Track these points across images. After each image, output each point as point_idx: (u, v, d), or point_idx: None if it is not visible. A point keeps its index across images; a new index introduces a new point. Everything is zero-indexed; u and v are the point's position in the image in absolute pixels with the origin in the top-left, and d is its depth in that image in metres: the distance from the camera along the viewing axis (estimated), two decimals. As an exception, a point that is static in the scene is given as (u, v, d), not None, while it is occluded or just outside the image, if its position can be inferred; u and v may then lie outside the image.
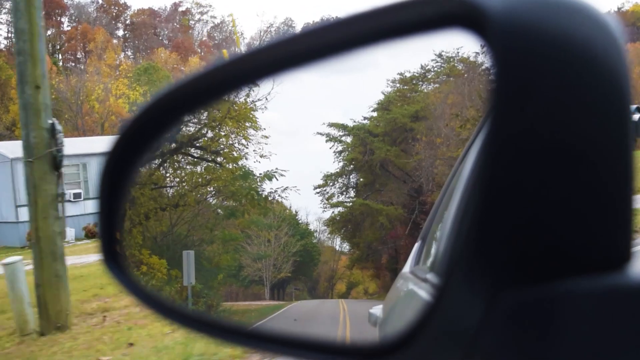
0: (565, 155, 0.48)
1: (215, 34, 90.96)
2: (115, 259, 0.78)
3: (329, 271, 43.27)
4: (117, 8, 79.55)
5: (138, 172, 0.77)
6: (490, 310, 0.50)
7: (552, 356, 0.49)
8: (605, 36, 0.50)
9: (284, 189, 19.36)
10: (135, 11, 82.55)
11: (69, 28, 73.34)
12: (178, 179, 14.10)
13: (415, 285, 1.27)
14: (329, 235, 36.58)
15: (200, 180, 14.24)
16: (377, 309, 2.02)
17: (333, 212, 32.37)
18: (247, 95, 14.22)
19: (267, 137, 16.03)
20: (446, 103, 24.31)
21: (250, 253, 26.51)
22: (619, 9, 62.49)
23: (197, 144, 13.72)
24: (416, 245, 1.87)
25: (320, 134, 30.51)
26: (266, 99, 15.18)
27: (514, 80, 0.49)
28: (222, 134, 14.66)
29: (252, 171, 16.73)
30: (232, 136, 15.05)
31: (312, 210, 36.55)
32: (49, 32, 68.03)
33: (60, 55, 70.29)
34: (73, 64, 62.35)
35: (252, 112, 14.91)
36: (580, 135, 0.49)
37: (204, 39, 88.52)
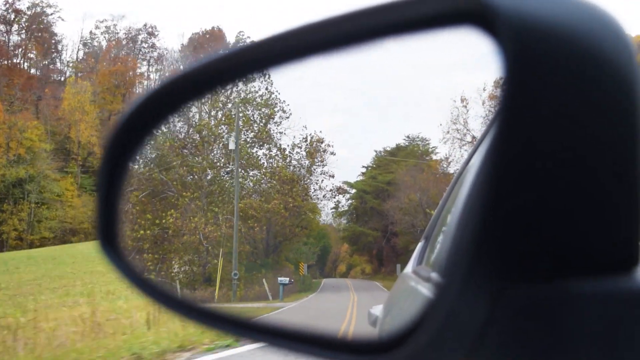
0: (575, 155, 0.48)
1: (45, 38, 77.47)
2: (111, 244, 0.78)
3: (334, 255, 67.97)
4: None
5: (138, 157, 0.79)
6: (496, 307, 0.49)
7: (557, 355, 0.48)
8: (618, 40, 0.50)
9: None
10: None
11: None
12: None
13: (418, 284, 1.26)
14: (336, 227, 62.16)
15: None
16: (377, 309, 2.03)
17: (342, 234, 59.05)
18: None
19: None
20: (403, 180, 48.77)
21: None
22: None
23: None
24: (419, 245, 1.91)
25: (336, 184, 55.73)
26: None
27: (524, 80, 0.48)
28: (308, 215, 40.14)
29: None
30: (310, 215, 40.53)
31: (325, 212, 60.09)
32: None
33: None
34: None
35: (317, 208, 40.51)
36: (591, 137, 0.48)
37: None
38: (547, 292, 0.49)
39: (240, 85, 34.31)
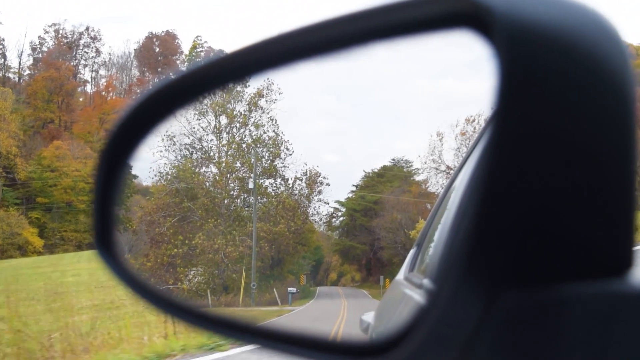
0: (568, 158, 0.48)
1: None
2: (108, 247, 0.78)
3: (326, 264, 75.02)
4: None
5: (133, 159, 0.78)
6: (489, 312, 0.49)
7: None
8: (614, 45, 0.50)
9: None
10: None
11: None
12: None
13: (410, 291, 1.26)
14: (328, 236, 69.44)
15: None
16: (369, 316, 2.01)
17: (334, 247, 66.59)
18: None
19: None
20: (388, 200, 56.10)
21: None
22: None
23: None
24: (411, 252, 1.89)
25: (332, 207, 63.16)
26: None
27: (518, 83, 0.48)
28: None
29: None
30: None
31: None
32: None
33: None
34: None
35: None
36: (583, 139, 0.48)
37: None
38: (539, 297, 0.49)
39: (253, 128, 41.61)
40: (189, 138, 40.09)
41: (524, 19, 0.49)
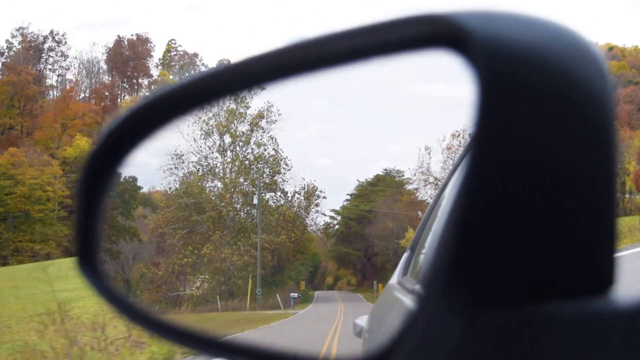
0: (549, 177, 0.48)
1: None
2: (90, 264, 0.76)
3: (322, 268, 78.03)
4: None
5: (118, 175, 0.76)
6: (469, 330, 0.49)
7: None
8: (588, 59, 0.50)
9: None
10: None
11: None
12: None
13: (402, 296, 1.26)
14: (326, 244, 72.89)
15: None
16: (362, 320, 2.02)
17: (329, 254, 70.17)
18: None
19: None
20: (381, 209, 59.56)
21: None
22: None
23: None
24: (405, 255, 1.90)
25: (329, 215, 66.67)
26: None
27: (497, 101, 0.48)
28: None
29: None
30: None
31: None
32: None
33: None
34: None
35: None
36: (564, 157, 0.48)
37: None
38: (521, 315, 0.48)
39: (255, 147, 45.23)
40: (195, 156, 43.54)
41: (501, 39, 0.49)
